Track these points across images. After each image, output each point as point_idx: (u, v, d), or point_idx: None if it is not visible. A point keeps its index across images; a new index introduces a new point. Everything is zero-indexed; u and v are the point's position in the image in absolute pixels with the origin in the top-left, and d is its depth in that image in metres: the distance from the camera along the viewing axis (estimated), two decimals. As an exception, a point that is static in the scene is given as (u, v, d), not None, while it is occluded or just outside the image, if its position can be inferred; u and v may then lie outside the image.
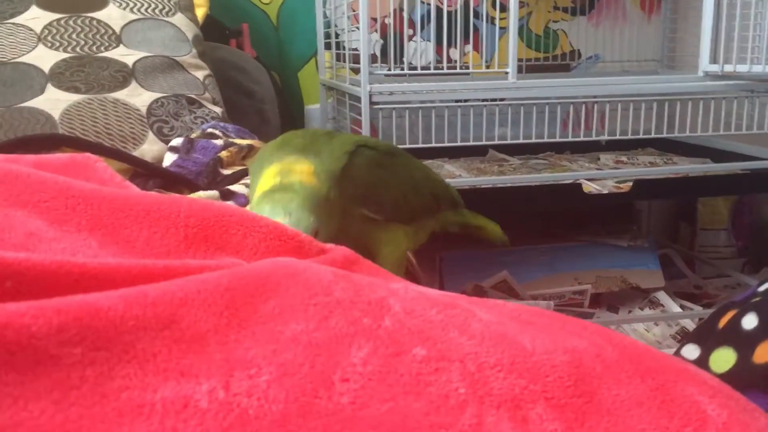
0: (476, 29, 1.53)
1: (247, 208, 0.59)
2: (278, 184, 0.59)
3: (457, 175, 1.22)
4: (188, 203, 0.47)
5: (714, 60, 1.20)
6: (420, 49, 1.52)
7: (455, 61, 1.47)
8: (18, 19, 0.99)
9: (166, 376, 0.29)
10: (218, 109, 1.03)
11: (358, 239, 0.64)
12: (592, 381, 0.32)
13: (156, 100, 0.96)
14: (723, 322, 0.69)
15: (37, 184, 0.46)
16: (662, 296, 1.31)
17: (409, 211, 0.72)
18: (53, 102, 0.91)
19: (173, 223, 0.45)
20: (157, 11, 1.06)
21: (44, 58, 0.95)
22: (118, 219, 0.45)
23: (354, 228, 0.65)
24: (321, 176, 0.61)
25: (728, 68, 1.17)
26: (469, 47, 1.54)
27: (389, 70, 1.26)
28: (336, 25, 1.42)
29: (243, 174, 0.83)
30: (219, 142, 0.87)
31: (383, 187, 0.68)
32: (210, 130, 0.92)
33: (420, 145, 1.13)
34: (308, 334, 0.33)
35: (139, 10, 1.04)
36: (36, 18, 0.99)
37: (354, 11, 1.24)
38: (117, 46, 0.99)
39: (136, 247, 0.44)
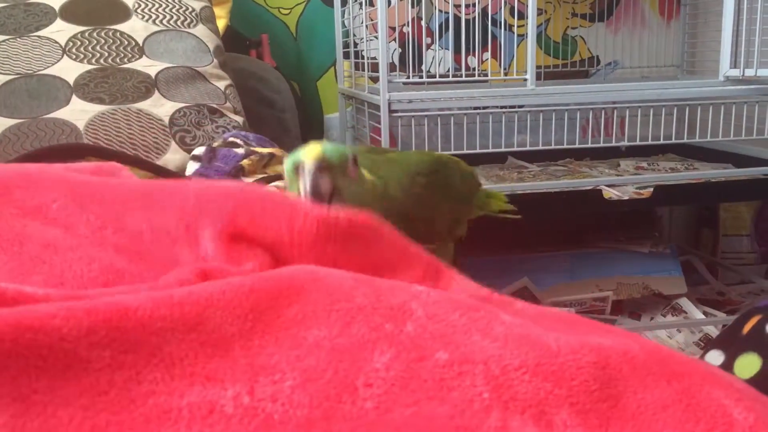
0: (494, 37, 1.53)
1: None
2: None
3: (477, 183, 1.22)
4: (180, 186, 0.47)
5: (735, 64, 1.19)
6: (438, 57, 1.52)
7: (473, 69, 1.47)
8: (43, 32, 1.01)
9: (192, 380, 0.30)
10: (239, 119, 1.04)
11: None
12: (618, 384, 0.32)
13: (178, 110, 0.97)
14: (747, 327, 0.68)
15: (51, 184, 0.47)
16: (685, 303, 1.30)
17: (458, 226, 0.73)
18: (78, 113, 0.93)
19: (169, 207, 0.45)
20: (179, 23, 1.07)
21: (69, 69, 0.97)
22: (123, 209, 0.45)
23: None
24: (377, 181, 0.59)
25: (749, 73, 1.16)
26: (488, 55, 1.54)
27: (408, 78, 1.27)
28: (355, 35, 1.43)
29: (264, 182, 0.84)
30: (240, 150, 0.88)
31: (440, 215, 0.67)
32: (231, 139, 0.93)
33: (439, 153, 1.13)
34: (331, 340, 0.33)
35: (161, 21, 1.06)
36: (60, 31, 1.01)
37: (372, 20, 1.25)
38: (140, 57, 1.01)
39: (144, 240, 0.44)
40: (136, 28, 1.04)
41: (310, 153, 0.53)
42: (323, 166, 0.53)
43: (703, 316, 1.26)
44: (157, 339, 0.30)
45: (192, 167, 0.86)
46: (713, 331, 1.23)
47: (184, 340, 0.31)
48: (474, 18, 1.28)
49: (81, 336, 0.28)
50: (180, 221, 0.44)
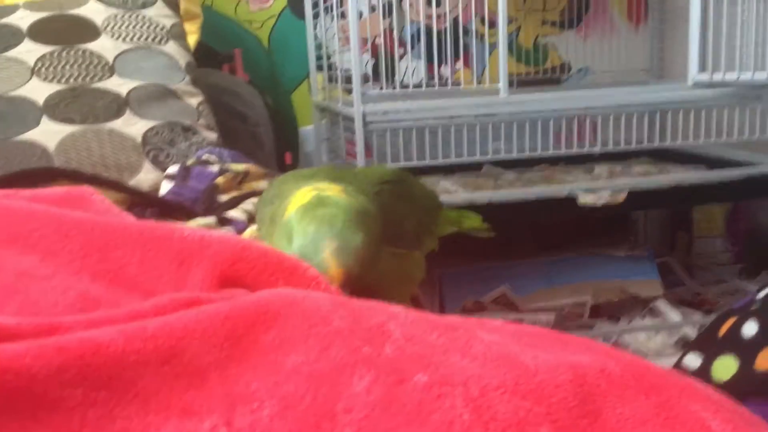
0: (466, 46, 1.54)
1: (281, 223, 0.55)
2: (316, 197, 0.56)
3: (453, 191, 1.23)
4: (181, 228, 0.47)
5: (703, 68, 1.21)
6: (411, 68, 1.53)
7: (446, 79, 1.48)
8: (11, 53, 0.99)
9: (168, 414, 0.29)
10: (213, 135, 1.03)
11: (386, 274, 0.63)
12: (596, 399, 0.32)
13: (151, 129, 0.96)
14: (723, 330, 0.69)
15: (29, 215, 0.46)
16: (662, 305, 1.31)
17: (426, 237, 0.73)
18: (49, 134, 0.92)
19: (166, 244, 0.45)
20: (149, 40, 1.06)
21: (38, 90, 0.96)
22: (112, 241, 0.45)
23: (383, 264, 0.64)
24: (353, 194, 0.59)
25: (717, 76, 1.17)
26: (460, 64, 1.55)
27: (381, 89, 1.27)
28: (327, 47, 1.43)
29: (239, 200, 0.83)
30: (214, 168, 0.87)
31: (407, 220, 0.68)
32: (205, 156, 0.92)
33: (415, 163, 1.13)
34: (309, 365, 0.33)
35: (131, 39, 1.05)
36: (29, 51, 1.00)
37: (345, 32, 1.25)
38: (111, 76, 1.00)
39: (129, 272, 0.44)
40: (105, 46, 1.03)
41: (336, 274, 0.51)
42: (350, 279, 0.52)
43: (680, 317, 1.28)
44: (130, 373, 0.29)
45: (166, 187, 0.86)
46: (691, 332, 1.24)
47: (158, 372, 0.30)
48: (445, 28, 1.29)
49: (51, 374, 0.28)
50: (173, 259, 0.44)
